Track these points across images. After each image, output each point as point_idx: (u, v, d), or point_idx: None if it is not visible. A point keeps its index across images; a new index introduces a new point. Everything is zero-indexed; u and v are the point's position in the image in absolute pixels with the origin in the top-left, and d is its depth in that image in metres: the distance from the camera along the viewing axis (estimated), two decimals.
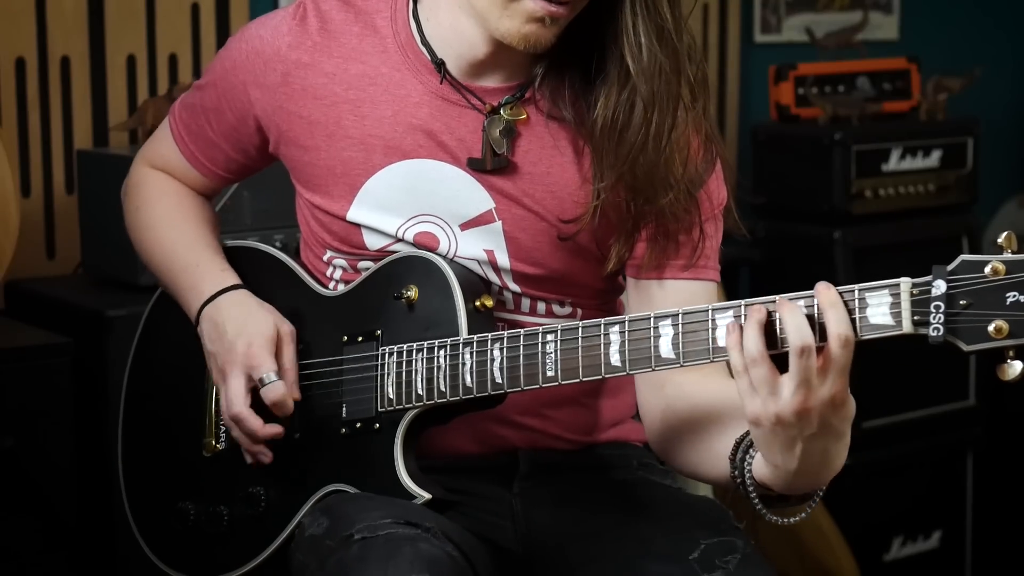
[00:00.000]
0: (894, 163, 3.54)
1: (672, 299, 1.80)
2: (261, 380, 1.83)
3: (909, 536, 3.64)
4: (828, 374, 1.52)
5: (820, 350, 1.52)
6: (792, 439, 1.55)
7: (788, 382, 1.52)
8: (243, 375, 1.84)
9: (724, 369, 1.76)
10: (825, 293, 1.52)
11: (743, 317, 1.56)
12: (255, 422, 1.83)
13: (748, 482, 1.63)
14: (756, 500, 1.63)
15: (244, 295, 1.91)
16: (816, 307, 1.52)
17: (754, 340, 1.53)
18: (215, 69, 1.96)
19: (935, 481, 3.68)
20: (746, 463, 1.63)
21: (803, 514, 1.64)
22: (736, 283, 3.64)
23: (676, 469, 1.85)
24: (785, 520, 1.64)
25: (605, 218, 1.80)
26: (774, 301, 1.55)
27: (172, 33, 3.07)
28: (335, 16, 1.88)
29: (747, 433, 1.63)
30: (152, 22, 3.05)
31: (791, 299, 1.54)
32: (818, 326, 1.52)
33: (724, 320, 1.58)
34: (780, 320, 1.53)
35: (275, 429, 1.84)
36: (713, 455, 1.72)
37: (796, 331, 1.51)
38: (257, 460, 1.86)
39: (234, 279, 1.93)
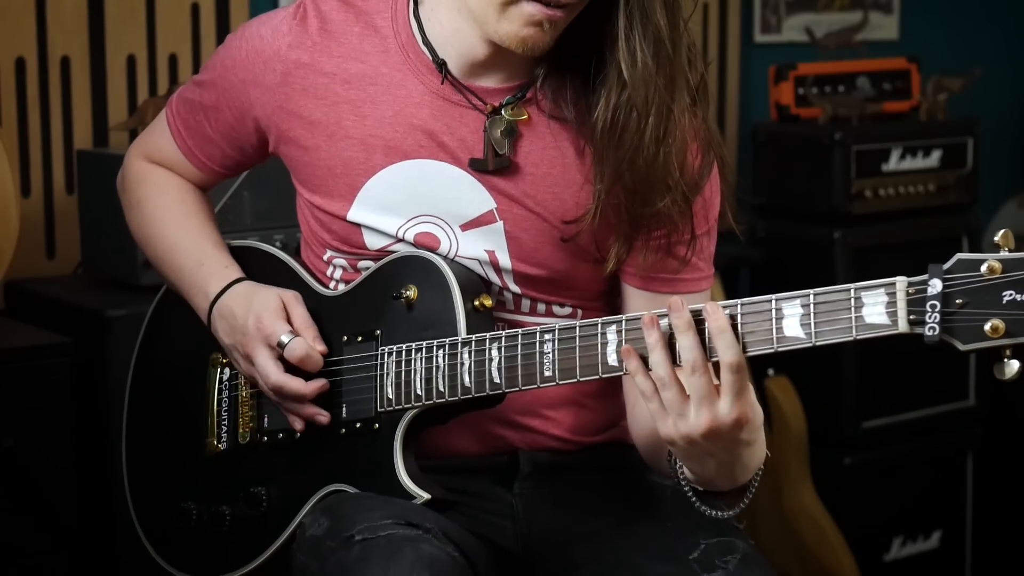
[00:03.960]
0: (894, 163, 3.54)
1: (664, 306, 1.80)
2: (280, 343, 1.82)
3: (909, 536, 3.64)
4: (727, 397, 1.56)
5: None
6: (705, 453, 1.61)
7: (693, 403, 1.57)
8: (265, 348, 1.83)
9: None
10: (714, 318, 1.56)
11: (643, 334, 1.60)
12: (296, 383, 1.82)
13: (683, 482, 1.69)
14: (693, 497, 1.69)
15: (248, 285, 1.91)
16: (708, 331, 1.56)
17: (661, 363, 1.58)
18: (214, 67, 1.96)
19: (935, 481, 3.67)
20: (679, 464, 1.70)
21: (735, 509, 1.69)
22: (736, 283, 3.64)
23: (660, 473, 1.86)
24: (720, 514, 1.69)
25: (605, 219, 1.80)
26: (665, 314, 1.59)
27: (172, 33, 3.07)
28: (335, 16, 1.88)
29: None
30: (152, 22, 3.05)
31: (692, 311, 1.57)
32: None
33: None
34: (676, 336, 1.58)
35: (319, 383, 1.82)
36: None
37: (688, 351, 1.57)
38: (316, 421, 1.84)
39: (237, 273, 1.93)
